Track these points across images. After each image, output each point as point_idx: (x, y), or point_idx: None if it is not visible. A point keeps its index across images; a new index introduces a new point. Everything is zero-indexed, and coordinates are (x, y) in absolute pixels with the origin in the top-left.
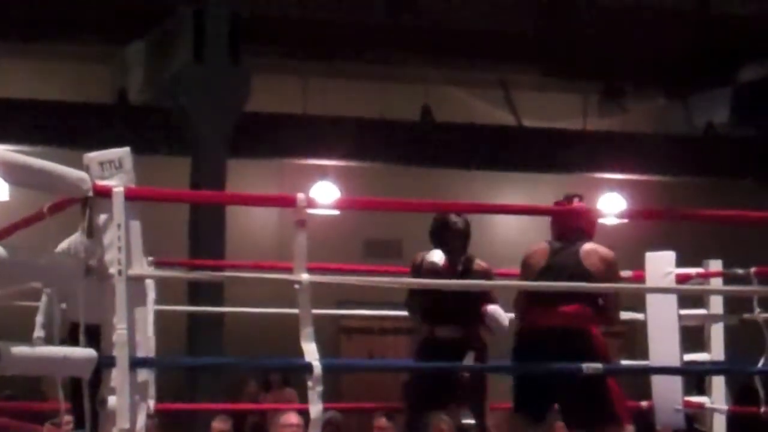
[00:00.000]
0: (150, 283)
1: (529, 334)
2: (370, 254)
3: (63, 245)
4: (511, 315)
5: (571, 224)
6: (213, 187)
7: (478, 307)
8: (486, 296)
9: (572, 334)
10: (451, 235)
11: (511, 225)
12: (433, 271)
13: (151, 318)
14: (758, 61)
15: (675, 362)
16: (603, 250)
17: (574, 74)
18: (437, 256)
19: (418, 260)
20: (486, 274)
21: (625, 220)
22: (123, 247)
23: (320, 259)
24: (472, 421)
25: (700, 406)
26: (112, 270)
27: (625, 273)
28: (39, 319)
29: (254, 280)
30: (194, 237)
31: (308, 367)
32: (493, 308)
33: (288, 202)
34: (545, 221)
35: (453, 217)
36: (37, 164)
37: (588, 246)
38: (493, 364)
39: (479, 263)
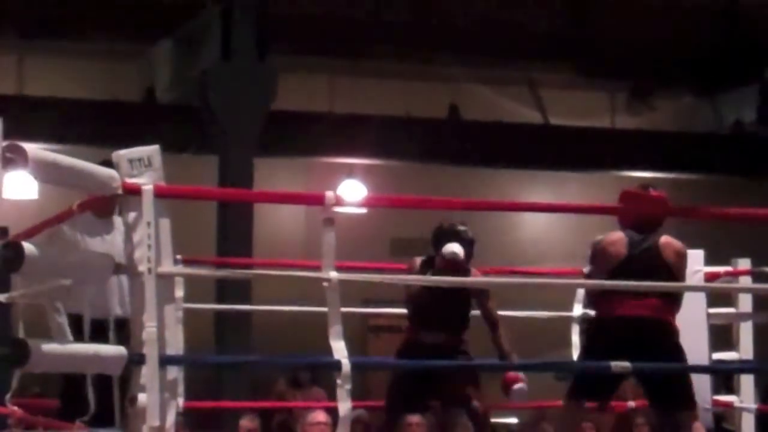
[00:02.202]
0: (178, 282)
1: (617, 322)
2: (396, 253)
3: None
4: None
5: (648, 215)
6: (241, 186)
7: (466, 313)
8: (484, 302)
9: (661, 325)
10: (460, 243)
11: (538, 224)
12: (453, 261)
13: (179, 316)
14: None
15: (703, 361)
16: (676, 242)
17: (602, 72)
18: (457, 248)
19: (416, 264)
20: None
21: None
22: (152, 244)
23: (347, 258)
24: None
25: (729, 405)
26: (142, 267)
27: None
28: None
29: (282, 278)
30: (222, 236)
31: (337, 365)
32: (520, 387)
33: (316, 200)
34: (572, 220)
35: (461, 226)
36: (67, 162)
37: (664, 238)
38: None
39: (475, 271)
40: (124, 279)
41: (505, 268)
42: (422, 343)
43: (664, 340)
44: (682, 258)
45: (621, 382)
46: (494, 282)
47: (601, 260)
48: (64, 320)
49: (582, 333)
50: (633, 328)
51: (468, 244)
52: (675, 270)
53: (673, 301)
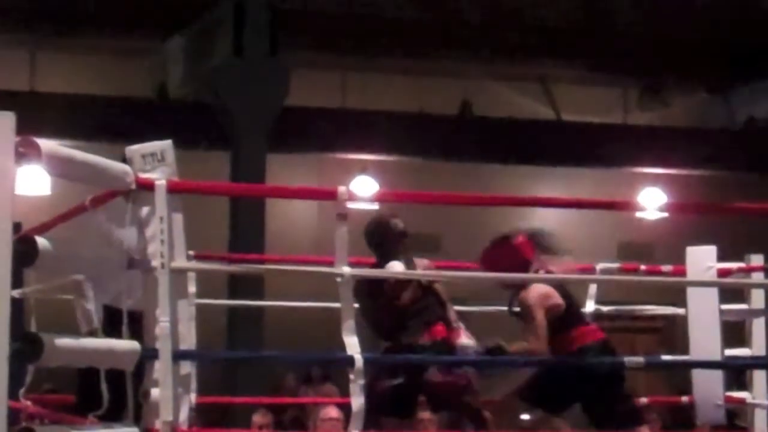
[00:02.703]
0: (191, 277)
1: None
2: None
3: None
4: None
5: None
6: (253, 182)
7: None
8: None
9: None
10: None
11: (550, 220)
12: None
13: (192, 311)
14: None
15: (716, 357)
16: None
17: (615, 69)
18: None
19: None
20: None
21: (666, 215)
22: (165, 239)
23: (359, 254)
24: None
25: (741, 402)
26: (155, 263)
27: (666, 267)
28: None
29: (295, 274)
30: (234, 231)
31: (350, 361)
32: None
33: (329, 195)
34: (584, 217)
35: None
36: (81, 157)
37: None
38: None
39: None
40: None
41: None
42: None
43: None
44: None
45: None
46: (507, 277)
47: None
48: (92, 307)
49: None
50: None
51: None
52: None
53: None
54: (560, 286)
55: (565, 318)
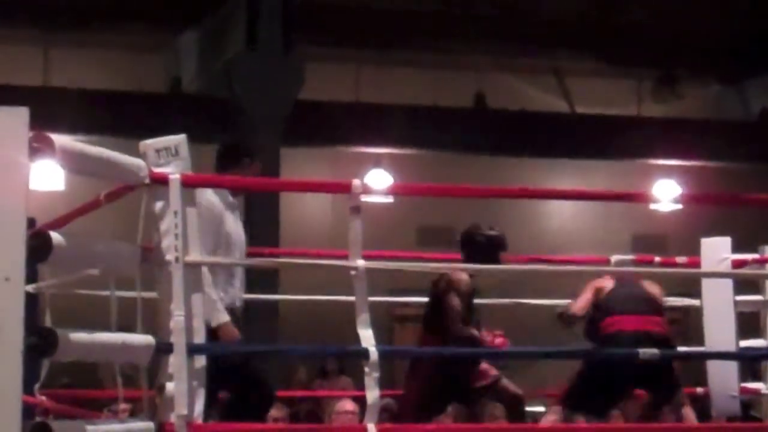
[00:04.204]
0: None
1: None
2: (423, 242)
3: None
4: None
5: None
6: (267, 175)
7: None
8: None
9: None
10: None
11: (564, 212)
12: None
13: None
14: None
15: (731, 348)
16: None
17: (629, 61)
18: None
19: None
20: None
21: (681, 207)
22: (180, 233)
23: (373, 248)
24: None
25: (756, 393)
26: (169, 257)
27: (680, 259)
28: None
29: (310, 267)
30: (248, 225)
31: (365, 353)
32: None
33: (343, 188)
34: (598, 209)
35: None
36: (95, 152)
37: None
38: None
39: None
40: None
41: (532, 257)
42: None
43: None
44: None
45: None
46: (520, 269)
47: None
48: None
49: None
50: None
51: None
52: None
53: None
54: None
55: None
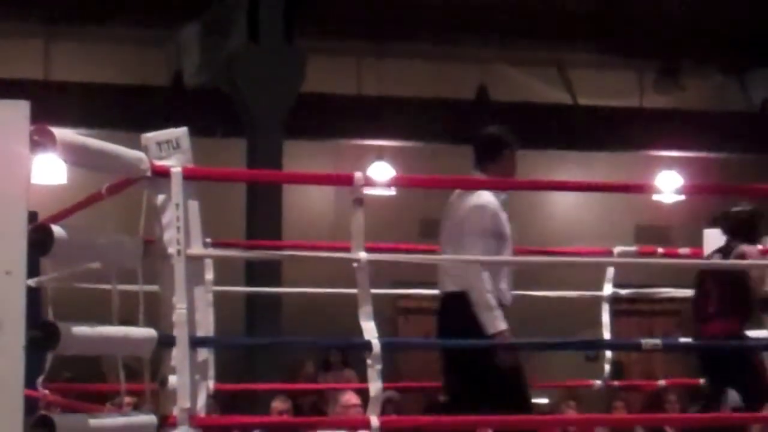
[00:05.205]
0: (208, 264)
1: None
2: (426, 234)
3: None
4: None
5: None
6: (269, 168)
7: None
8: None
9: None
10: None
11: (567, 204)
12: None
13: (209, 298)
14: None
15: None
16: None
17: (631, 52)
18: None
19: None
20: None
21: (683, 198)
22: (181, 226)
23: (376, 240)
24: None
25: None
26: (171, 250)
27: (683, 250)
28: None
29: (312, 260)
30: (251, 218)
31: (367, 345)
32: None
33: (345, 181)
34: (601, 200)
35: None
36: (96, 145)
37: None
38: None
39: None
40: None
41: (536, 248)
42: None
43: None
44: None
45: None
46: (524, 261)
47: None
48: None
49: None
50: None
51: None
52: None
53: None
54: None
55: None
